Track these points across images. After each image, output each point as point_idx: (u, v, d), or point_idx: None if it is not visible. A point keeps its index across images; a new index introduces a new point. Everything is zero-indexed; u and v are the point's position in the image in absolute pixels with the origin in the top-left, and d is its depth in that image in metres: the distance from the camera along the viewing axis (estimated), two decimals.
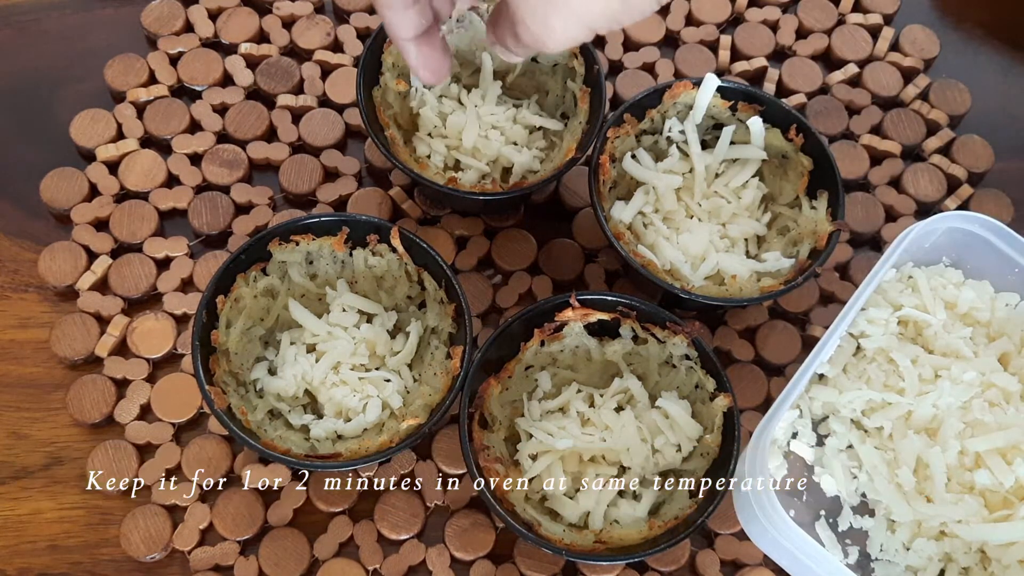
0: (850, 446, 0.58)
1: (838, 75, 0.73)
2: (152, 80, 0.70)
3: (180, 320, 0.63)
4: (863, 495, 0.58)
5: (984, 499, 0.55)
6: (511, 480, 0.54)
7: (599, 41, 0.74)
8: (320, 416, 0.58)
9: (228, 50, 0.72)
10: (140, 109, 0.69)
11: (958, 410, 0.57)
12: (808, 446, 0.59)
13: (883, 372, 0.59)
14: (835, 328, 0.57)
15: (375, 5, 0.48)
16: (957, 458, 0.56)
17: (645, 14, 0.42)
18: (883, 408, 0.58)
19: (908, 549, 0.55)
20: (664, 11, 0.75)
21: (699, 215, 0.63)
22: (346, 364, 0.58)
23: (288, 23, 0.73)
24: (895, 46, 0.75)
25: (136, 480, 0.58)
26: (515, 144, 0.65)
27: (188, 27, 0.72)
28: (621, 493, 0.56)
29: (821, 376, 0.60)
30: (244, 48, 0.72)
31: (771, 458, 0.58)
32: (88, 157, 0.68)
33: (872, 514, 0.57)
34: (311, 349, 0.59)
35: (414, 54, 0.49)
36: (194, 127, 0.69)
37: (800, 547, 0.51)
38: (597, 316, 0.57)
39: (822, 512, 0.57)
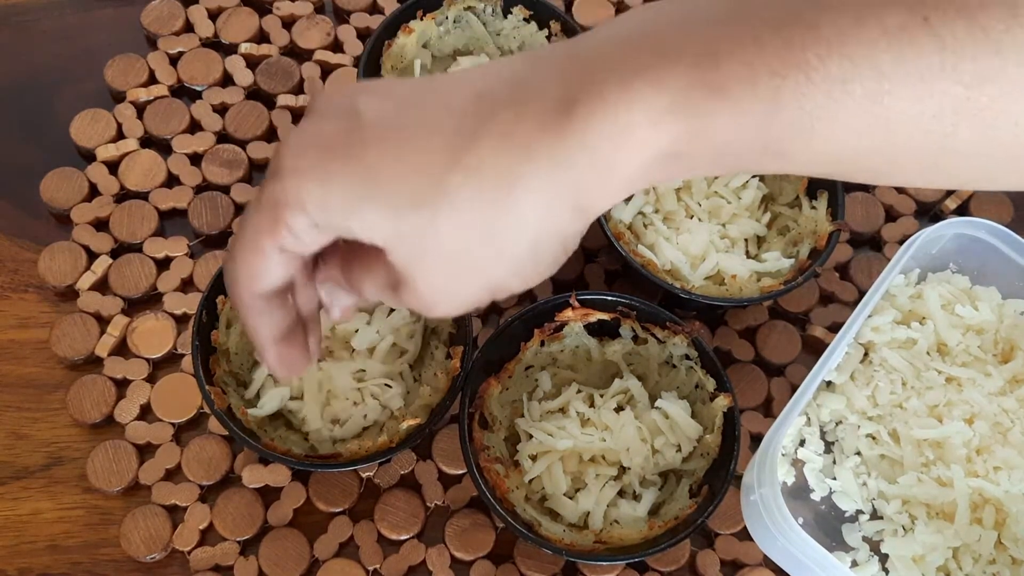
0: (858, 453, 0.58)
1: None
2: (152, 80, 0.70)
3: (180, 320, 0.63)
4: (873, 501, 0.57)
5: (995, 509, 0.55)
6: (511, 480, 0.54)
7: None
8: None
9: (228, 50, 0.72)
10: (140, 109, 0.69)
11: (963, 423, 0.57)
12: (816, 454, 0.59)
13: (890, 379, 0.59)
14: (843, 335, 0.56)
15: (238, 311, 0.42)
16: (965, 467, 0.56)
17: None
18: (891, 415, 0.58)
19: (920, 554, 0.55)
20: None
21: (699, 215, 0.63)
22: None
23: (288, 23, 0.73)
24: None
25: (136, 480, 0.59)
26: None
27: (188, 27, 0.72)
28: (621, 493, 0.56)
29: (828, 383, 0.60)
30: (244, 48, 0.72)
31: (779, 466, 0.58)
32: (88, 157, 0.68)
33: (882, 520, 0.57)
34: None
35: (273, 354, 0.43)
36: (194, 127, 0.69)
37: (810, 555, 0.51)
38: (597, 316, 0.57)
39: (833, 519, 0.58)
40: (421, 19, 0.64)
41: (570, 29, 0.64)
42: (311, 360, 0.45)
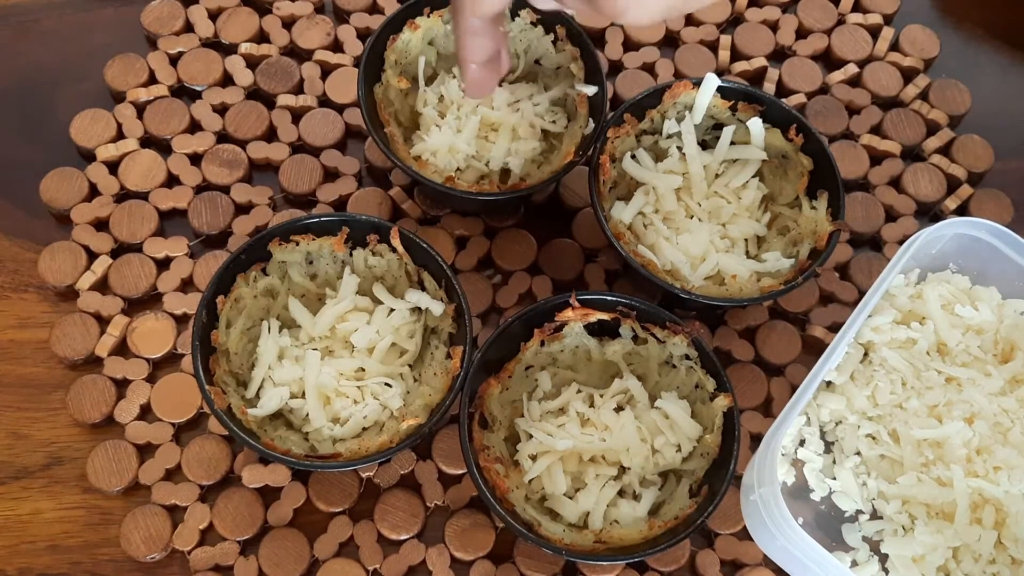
0: (858, 453, 0.58)
1: (838, 75, 0.73)
2: (152, 80, 0.70)
3: (180, 320, 0.63)
4: (872, 501, 0.57)
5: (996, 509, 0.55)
6: (511, 480, 0.54)
7: (599, 41, 0.74)
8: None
9: (228, 50, 0.72)
10: (140, 109, 0.69)
11: (963, 423, 0.57)
12: (816, 454, 0.59)
13: (890, 379, 0.59)
14: (843, 335, 0.56)
15: (455, 28, 0.51)
16: (965, 467, 0.56)
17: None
18: (891, 415, 0.58)
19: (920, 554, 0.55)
20: None
21: (699, 215, 0.63)
22: None
23: (288, 23, 0.73)
24: (895, 46, 0.75)
25: (136, 480, 0.59)
26: (514, 145, 0.64)
27: (188, 27, 0.72)
28: (621, 493, 0.56)
29: (828, 383, 0.60)
30: (244, 48, 0.72)
31: (779, 466, 0.58)
32: (88, 157, 0.68)
33: (882, 520, 0.57)
34: None
35: (473, 72, 0.53)
36: (194, 127, 0.69)
37: (810, 555, 0.51)
38: (597, 316, 0.57)
39: (833, 519, 0.58)
40: (428, 16, 0.64)
41: (575, 34, 0.64)
42: (495, 83, 0.55)
